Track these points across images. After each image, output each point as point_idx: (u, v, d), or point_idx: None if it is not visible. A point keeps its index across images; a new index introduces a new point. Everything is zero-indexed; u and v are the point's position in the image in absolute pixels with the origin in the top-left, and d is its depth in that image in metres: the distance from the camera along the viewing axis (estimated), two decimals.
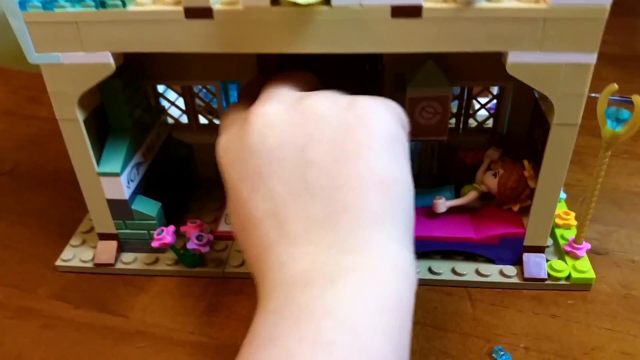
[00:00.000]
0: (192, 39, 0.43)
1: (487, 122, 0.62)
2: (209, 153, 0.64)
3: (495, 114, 0.60)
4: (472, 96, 0.60)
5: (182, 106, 0.63)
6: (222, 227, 0.58)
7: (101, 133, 0.52)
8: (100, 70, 0.46)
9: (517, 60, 0.43)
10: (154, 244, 0.52)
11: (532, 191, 0.50)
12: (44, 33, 0.44)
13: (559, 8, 0.40)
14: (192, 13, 0.42)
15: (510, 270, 0.53)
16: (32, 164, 0.73)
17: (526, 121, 0.58)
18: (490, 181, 0.53)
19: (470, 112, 0.61)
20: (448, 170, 0.60)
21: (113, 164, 0.51)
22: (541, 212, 0.50)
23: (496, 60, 0.53)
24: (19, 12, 0.43)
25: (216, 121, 0.64)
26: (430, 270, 0.53)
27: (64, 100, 0.47)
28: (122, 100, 0.52)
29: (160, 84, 0.61)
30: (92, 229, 0.59)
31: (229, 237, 0.58)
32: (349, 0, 0.41)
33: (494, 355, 0.46)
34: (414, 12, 0.41)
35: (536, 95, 0.53)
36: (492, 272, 0.53)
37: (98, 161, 0.51)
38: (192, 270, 0.55)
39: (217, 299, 0.52)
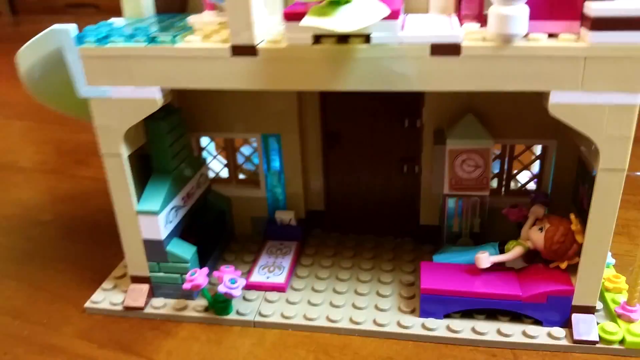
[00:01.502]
0: (238, 76, 0.45)
1: (530, 184, 0.60)
2: (246, 207, 0.64)
3: (538, 174, 0.59)
4: (514, 156, 0.59)
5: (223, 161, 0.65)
6: (255, 277, 0.57)
7: (144, 176, 0.53)
8: (147, 106, 0.47)
9: (559, 100, 0.42)
10: (186, 285, 0.51)
11: (580, 248, 0.48)
12: (97, 67, 0.46)
13: (599, 47, 0.40)
14: (238, 51, 0.44)
15: (559, 332, 0.49)
16: (72, 216, 0.74)
17: (570, 181, 0.56)
18: (537, 236, 0.50)
19: (512, 173, 0.60)
20: (490, 231, 0.58)
21: (153, 203, 0.52)
22: (590, 268, 0.47)
23: (538, 117, 0.53)
24: (74, 47, 0.46)
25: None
26: (474, 330, 0.50)
27: (110, 135, 0.49)
28: (167, 143, 0.53)
29: (204, 135, 0.62)
30: (124, 274, 0.58)
31: (262, 287, 0.56)
32: (388, 38, 0.42)
33: None
34: (453, 50, 0.42)
35: (582, 150, 0.52)
36: (540, 333, 0.49)
37: (138, 200, 0.52)
38: (221, 318, 0.53)
39: (244, 347, 0.50)
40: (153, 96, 0.47)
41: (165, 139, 0.53)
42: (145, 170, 0.54)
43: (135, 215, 0.52)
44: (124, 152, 0.50)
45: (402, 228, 0.63)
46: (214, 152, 0.65)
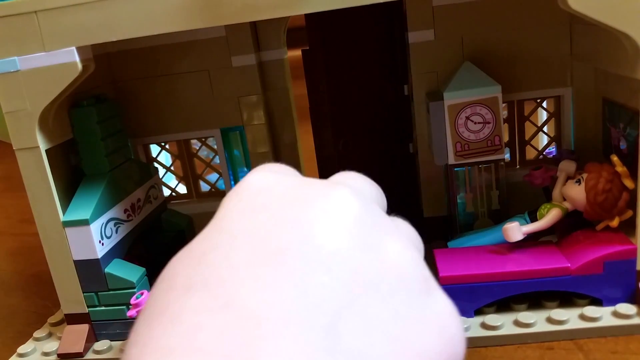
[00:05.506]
0: (172, 13, 0.35)
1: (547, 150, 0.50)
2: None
3: (556, 130, 0.49)
4: (524, 116, 0.49)
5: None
6: None
7: (74, 186, 0.42)
8: (65, 74, 0.37)
9: None
10: (131, 312, 0.39)
11: (632, 195, 0.37)
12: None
13: None
14: None
15: (627, 308, 0.37)
16: (14, 271, 0.63)
17: (595, 133, 0.46)
18: (575, 190, 0.40)
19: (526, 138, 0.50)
20: (511, 211, 0.47)
21: (82, 210, 0.40)
22: None
23: (547, 62, 0.45)
24: None
25: (221, 187, 0.53)
26: (517, 323, 0.38)
27: (22, 121, 0.38)
28: (97, 136, 0.42)
29: (151, 141, 0.52)
30: (63, 319, 0.46)
31: None
32: None
33: None
34: None
35: (608, 85, 0.43)
36: (603, 314, 0.38)
37: (65, 210, 0.41)
38: None
39: None
40: (71, 59, 0.37)
41: (95, 131, 0.42)
42: (78, 176, 0.43)
43: (61, 229, 0.40)
44: (42, 144, 0.39)
45: None
46: (168, 164, 0.54)
